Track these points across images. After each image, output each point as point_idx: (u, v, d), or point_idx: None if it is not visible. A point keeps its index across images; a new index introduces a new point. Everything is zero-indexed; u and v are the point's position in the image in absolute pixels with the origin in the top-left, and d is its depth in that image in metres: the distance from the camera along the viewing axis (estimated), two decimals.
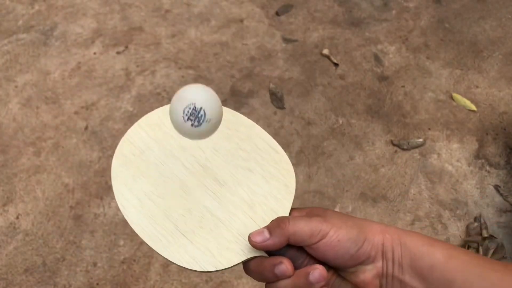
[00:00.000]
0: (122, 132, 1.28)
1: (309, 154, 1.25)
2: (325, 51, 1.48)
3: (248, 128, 0.47)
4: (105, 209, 1.15)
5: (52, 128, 1.28)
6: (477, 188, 1.22)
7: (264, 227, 0.41)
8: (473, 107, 1.36)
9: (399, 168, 1.24)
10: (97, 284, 1.05)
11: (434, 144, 1.29)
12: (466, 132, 1.32)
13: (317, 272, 0.37)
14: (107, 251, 1.09)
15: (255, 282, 1.05)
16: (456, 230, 1.15)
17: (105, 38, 1.49)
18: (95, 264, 1.07)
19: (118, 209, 1.15)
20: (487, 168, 1.25)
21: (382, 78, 1.43)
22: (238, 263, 0.41)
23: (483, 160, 1.26)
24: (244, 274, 0.42)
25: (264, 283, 0.41)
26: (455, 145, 1.29)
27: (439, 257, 0.38)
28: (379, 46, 1.51)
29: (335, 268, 0.40)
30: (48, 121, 1.30)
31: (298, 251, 0.40)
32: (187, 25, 1.54)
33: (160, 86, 1.38)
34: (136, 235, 0.43)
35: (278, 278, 0.39)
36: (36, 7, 1.57)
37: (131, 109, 1.33)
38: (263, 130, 0.47)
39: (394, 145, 1.29)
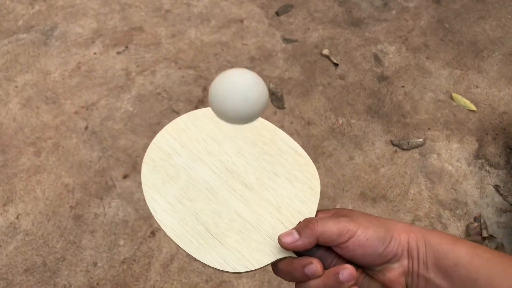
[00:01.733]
0: (122, 132, 1.28)
1: (309, 154, 1.25)
2: (325, 51, 1.48)
3: (271, 133, 0.48)
4: (105, 209, 1.15)
5: (52, 128, 1.28)
6: (477, 188, 1.22)
7: (293, 228, 0.41)
8: (473, 107, 1.36)
9: (399, 168, 1.24)
10: (97, 284, 1.05)
11: (434, 144, 1.29)
12: (466, 132, 1.32)
13: (347, 271, 0.38)
14: (107, 251, 1.09)
15: (255, 282, 1.05)
16: (456, 230, 1.15)
17: (105, 38, 1.49)
18: (95, 264, 1.07)
19: (118, 209, 1.15)
20: (487, 168, 1.25)
21: (382, 78, 1.43)
22: (268, 264, 0.42)
23: (483, 160, 1.26)
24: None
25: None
26: (455, 145, 1.29)
27: (463, 255, 0.39)
28: (379, 46, 1.51)
29: (363, 268, 0.41)
30: (48, 121, 1.30)
31: (327, 251, 0.41)
32: (187, 25, 1.54)
33: (160, 86, 1.38)
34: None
35: (309, 278, 0.39)
36: (36, 7, 1.57)
37: (131, 109, 1.33)
38: (286, 134, 0.49)
39: (394, 145, 1.29)
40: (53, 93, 1.36)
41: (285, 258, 0.42)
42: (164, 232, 0.43)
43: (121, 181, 1.19)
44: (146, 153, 0.47)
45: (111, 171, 1.21)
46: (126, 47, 1.48)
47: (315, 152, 1.25)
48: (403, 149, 1.28)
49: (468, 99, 1.38)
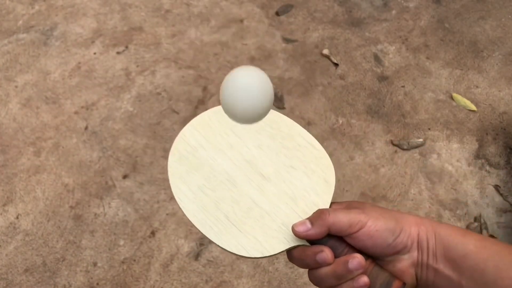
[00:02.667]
0: (122, 132, 1.28)
1: None
2: (325, 51, 1.48)
3: (290, 127, 0.51)
4: (105, 209, 1.15)
5: (52, 128, 1.28)
6: (477, 188, 1.22)
7: (306, 218, 0.44)
8: (473, 107, 1.36)
9: (399, 168, 1.24)
10: (97, 284, 1.05)
11: (434, 144, 1.29)
12: (466, 132, 1.32)
13: (356, 260, 0.40)
14: (107, 251, 1.09)
15: (255, 282, 1.05)
16: None
17: (105, 38, 1.49)
18: (95, 264, 1.07)
19: (118, 209, 1.15)
20: (487, 168, 1.25)
21: (382, 78, 1.43)
22: (283, 251, 0.44)
23: (483, 160, 1.26)
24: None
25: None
26: (455, 145, 1.29)
27: (471, 247, 0.40)
28: (379, 46, 1.51)
29: (373, 257, 0.43)
30: (48, 121, 1.30)
31: (338, 241, 0.43)
32: (187, 25, 1.54)
33: (160, 86, 1.38)
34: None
35: (320, 265, 0.42)
36: (36, 7, 1.57)
37: (131, 109, 1.33)
38: (303, 129, 0.51)
39: (394, 145, 1.29)
40: (53, 93, 1.36)
41: (298, 246, 0.44)
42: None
43: (121, 181, 1.19)
44: (173, 145, 0.50)
45: (111, 171, 1.21)
46: (126, 47, 1.48)
47: None
48: (403, 149, 1.28)
49: (468, 99, 1.38)
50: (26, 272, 1.06)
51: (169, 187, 1.25)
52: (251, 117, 0.47)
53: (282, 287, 1.05)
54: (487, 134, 1.31)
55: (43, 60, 1.43)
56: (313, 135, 0.51)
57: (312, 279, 0.43)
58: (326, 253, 0.41)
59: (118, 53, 1.46)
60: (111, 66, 1.43)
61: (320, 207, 0.46)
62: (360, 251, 0.42)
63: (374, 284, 0.41)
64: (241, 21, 1.56)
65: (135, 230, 1.12)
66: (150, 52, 1.46)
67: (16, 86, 1.37)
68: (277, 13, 1.59)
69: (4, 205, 1.15)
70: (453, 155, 1.27)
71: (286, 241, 0.44)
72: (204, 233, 0.45)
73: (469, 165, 1.26)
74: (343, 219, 0.41)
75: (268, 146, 0.50)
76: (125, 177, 1.20)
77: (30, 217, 1.13)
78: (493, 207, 1.18)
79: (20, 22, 1.53)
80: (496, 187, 1.22)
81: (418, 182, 1.22)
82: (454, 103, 1.38)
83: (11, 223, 1.12)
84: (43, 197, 1.16)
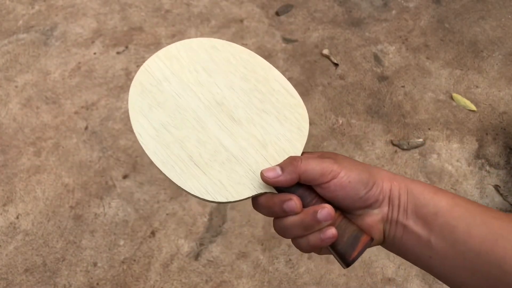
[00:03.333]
0: (122, 132, 1.28)
1: None
2: (325, 51, 1.48)
3: (266, 71, 0.48)
4: (105, 209, 1.15)
5: (52, 128, 1.28)
6: (477, 188, 1.22)
7: (277, 165, 0.42)
8: (473, 107, 1.36)
9: (399, 168, 1.24)
10: (97, 284, 1.05)
11: (434, 144, 1.29)
12: (466, 132, 1.32)
13: (325, 210, 0.39)
14: (107, 251, 1.09)
15: (255, 282, 1.05)
16: None
17: (105, 38, 1.49)
18: (95, 264, 1.07)
19: (118, 209, 1.15)
20: (487, 168, 1.25)
21: (382, 78, 1.43)
22: (248, 197, 0.43)
23: (483, 160, 1.26)
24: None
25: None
26: (455, 145, 1.29)
27: (443, 204, 0.39)
28: (379, 46, 1.51)
29: (342, 210, 0.42)
30: (48, 121, 1.30)
31: (308, 190, 0.41)
32: (187, 25, 1.54)
33: None
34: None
35: (287, 213, 0.40)
36: (36, 7, 1.57)
37: None
38: (280, 74, 0.49)
39: (394, 145, 1.29)
40: (53, 93, 1.36)
41: (265, 193, 0.42)
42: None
43: (121, 181, 1.19)
44: (135, 76, 0.47)
45: (111, 171, 1.21)
46: (126, 47, 1.48)
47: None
48: (403, 149, 1.28)
49: (468, 99, 1.38)
50: (26, 272, 1.06)
51: (169, 187, 1.26)
52: None
53: (282, 287, 1.05)
54: (487, 134, 1.31)
55: (43, 60, 1.43)
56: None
57: (278, 229, 0.42)
58: (294, 201, 0.40)
59: (118, 53, 1.46)
60: (111, 66, 1.43)
61: (291, 155, 0.44)
62: (329, 203, 0.41)
63: (341, 236, 0.40)
64: (241, 21, 1.56)
65: (135, 230, 1.12)
66: (150, 52, 1.46)
67: (16, 86, 1.37)
68: (277, 13, 1.59)
69: (4, 205, 1.15)
70: (453, 155, 1.27)
71: (253, 187, 0.43)
72: (165, 173, 0.43)
73: (469, 165, 1.26)
74: (315, 168, 0.40)
75: (241, 87, 0.47)
76: (125, 177, 1.20)
77: (30, 217, 1.13)
78: (493, 207, 1.18)
79: (20, 22, 1.53)
80: (496, 187, 1.22)
81: None
82: (454, 103, 1.38)
83: (11, 223, 1.12)
84: (43, 197, 1.16)
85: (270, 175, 0.41)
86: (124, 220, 1.13)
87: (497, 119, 1.34)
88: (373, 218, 0.41)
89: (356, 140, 1.29)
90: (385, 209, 0.41)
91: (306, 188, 0.41)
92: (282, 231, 0.42)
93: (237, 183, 0.43)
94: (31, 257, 1.08)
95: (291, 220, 0.40)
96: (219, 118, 0.45)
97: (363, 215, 0.41)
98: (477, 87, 1.42)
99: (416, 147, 1.28)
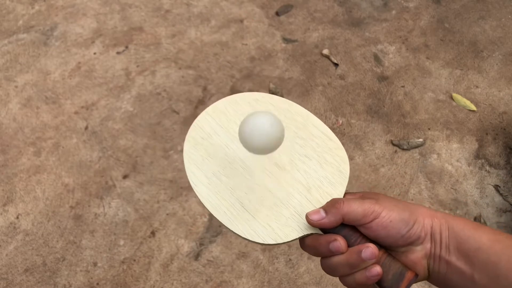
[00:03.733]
0: (122, 132, 1.28)
1: None
2: (325, 51, 1.48)
3: (304, 117, 0.51)
4: (105, 209, 1.15)
5: (52, 128, 1.28)
6: (477, 188, 1.22)
7: (320, 207, 0.44)
8: (473, 107, 1.36)
9: (399, 168, 1.24)
10: (97, 284, 1.05)
11: (434, 144, 1.29)
12: (466, 132, 1.32)
13: (369, 250, 0.40)
14: (107, 251, 1.09)
15: (255, 282, 1.05)
16: None
17: (105, 38, 1.49)
18: (95, 264, 1.07)
19: (118, 209, 1.15)
20: (487, 168, 1.25)
21: (382, 78, 1.43)
22: (296, 239, 0.45)
23: (483, 160, 1.26)
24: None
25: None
26: (455, 145, 1.29)
27: (484, 240, 0.40)
28: (379, 46, 1.51)
29: (386, 248, 0.43)
30: (48, 121, 1.30)
31: (352, 230, 0.43)
32: (187, 25, 1.54)
33: (160, 86, 1.38)
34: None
35: (333, 253, 0.42)
36: (36, 7, 1.57)
37: (131, 109, 1.33)
38: (318, 119, 0.51)
39: (394, 145, 1.29)
40: (53, 93, 1.36)
41: (311, 234, 0.44)
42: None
43: (121, 181, 1.19)
44: (188, 132, 0.51)
45: (111, 171, 1.21)
46: (126, 47, 1.48)
47: None
48: (403, 149, 1.28)
49: (468, 99, 1.38)
50: (26, 272, 1.06)
51: (169, 187, 1.25)
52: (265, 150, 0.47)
53: (282, 287, 1.05)
54: (487, 134, 1.31)
55: (43, 60, 1.43)
56: None
57: (325, 267, 0.43)
58: (339, 241, 0.41)
59: (118, 53, 1.46)
60: (111, 66, 1.43)
61: (334, 197, 0.46)
62: (373, 241, 0.42)
63: (386, 274, 0.41)
64: (241, 21, 1.56)
65: (135, 230, 1.12)
66: (150, 52, 1.46)
67: (16, 86, 1.37)
68: (277, 13, 1.59)
69: (4, 205, 1.15)
70: (453, 155, 1.27)
71: (299, 229, 0.45)
72: (218, 218, 0.46)
73: (469, 165, 1.26)
74: (357, 209, 0.42)
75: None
76: (125, 177, 1.20)
77: (30, 217, 1.13)
78: (493, 207, 1.19)
79: (20, 22, 1.53)
80: (496, 187, 1.22)
81: (418, 182, 1.22)
82: (454, 103, 1.38)
83: (11, 223, 1.12)
84: (43, 197, 1.16)
85: (314, 217, 0.43)
86: (124, 220, 1.13)
87: (497, 119, 1.34)
88: (417, 255, 0.42)
89: (356, 140, 1.29)
90: (427, 245, 0.42)
91: (350, 228, 0.43)
92: (329, 270, 0.43)
93: (284, 225, 0.45)
94: (31, 257, 1.08)
95: (337, 259, 0.42)
96: (264, 165, 0.48)
97: (407, 252, 0.42)
98: (477, 87, 1.42)
99: (416, 147, 1.28)
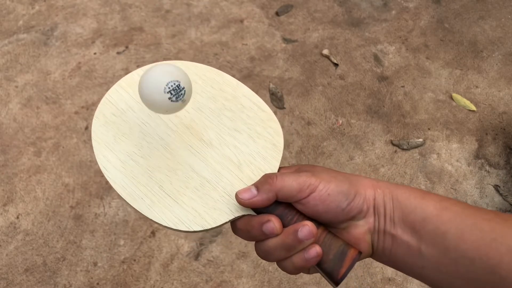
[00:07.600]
0: None
1: (309, 154, 1.25)
2: (325, 51, 1.48)
3: (234, 88, 0.46)
4: (105, 209, 1.15)
5: (53, 128, 1.28)
6: (477, 188, 1.22)
7: (251, 184, 0.40)
8: (473, 107, 1.36)
9: (399, 168, 1.25)
10: (98, 284, 1.05)
11: (433, 144, 1.29)
12: (465, 132, 1.32)
13: (306, 228, 0.36)
14: (107, 251, 1.09)
15: (255, 282, 1.05)
16: None
17: (105, 38, 1.49)
18: (95, 264, 1.07)
19: (118, 208, 1.15)
20: (487, 168, 1.25)
21: (382, 78, 1.43)
22: (225, 223, 0.40)
23: (482, 160, 1.26)
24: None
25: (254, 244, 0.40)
26: (454, 145, 1.29)
27: (431, 209, 0.37)
28: (379, 46, 1.51)
29: (325, 225, 0.39)
30: (49, 121, 1.30)
31: (287, 208, 0.39)
32: (187, 25, 1.54)
33: None
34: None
35: (267, 236, 0.38)
36: (37, 7, 1.57)
37: None
38: (250, 89, 0.47)
39: (394, 145, 1.29)
40: (53, 93, 1.36)
41: (243, 216, 0.40)
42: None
43: None
44: (98, 108, 0.45)
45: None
46: (126, 47, 1.48)
47: (315, 152, 1.26)
48: (403, 149, 1.28)
49: (468, 99, 1.38)
50: (27, 272, 1.06)
51: None
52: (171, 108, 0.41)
53: (282, 287, 1.05)
54: (486, 134, 1.31)
55: (43, 60, 1.43)
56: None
57: (260, 252, 0.39)
58: (273, 222, 0.37)
59: (118, 53, 1.46)
60: (111, 66, 1.43)
61: (267, 173, 0.42)
62: (311, 219, 0.38)
63: (327, 254, 0.38)
64: (241, 21, 1.56)
65: (135, 230, 1.12)
66: (150, 52, 1.46)
67: (16, 86, 1.37)
68: (277, 13, 1.59)
69: (5, 205, 1.15)
70: (452, 155, 1.27)
71: (229, 212, 0.40)
72: (134, 206, 0.40)
73: (468, 165, 1.26)
74: (291, 183, 0.37)
75: (209, 108, 0.45)
76: None
77: (30, 217, 1.13)
78: (493, 207, 1.19)
79: (21, 22, 1.53)
80: (496, 187, 1.22)
81: (418, 182, 1.22)
82: (454, 103, 1.38)
83: (11, 223, 1.12)
84: (43, 197, 1.16)
85: (245, 196, 0.39)
86: (124, 220, 1.13)
87: (497, 119, 1.34)
88: (359, 230, 0.38)
89: (356, 140, 1.29)
90: (370, 219, 0.38)
91: (286, 206, 0.39)
92: (264, 255, 0.39)
93: (212, 208, 0.40)
94: (31, 257, 1.08)
95: (272, 242, 0.38)
96: (188, 142, 0.43)
97: (348, 228, 0.39)
98: (476, 87, 1.42)
99: (416, 147, 1.28)
